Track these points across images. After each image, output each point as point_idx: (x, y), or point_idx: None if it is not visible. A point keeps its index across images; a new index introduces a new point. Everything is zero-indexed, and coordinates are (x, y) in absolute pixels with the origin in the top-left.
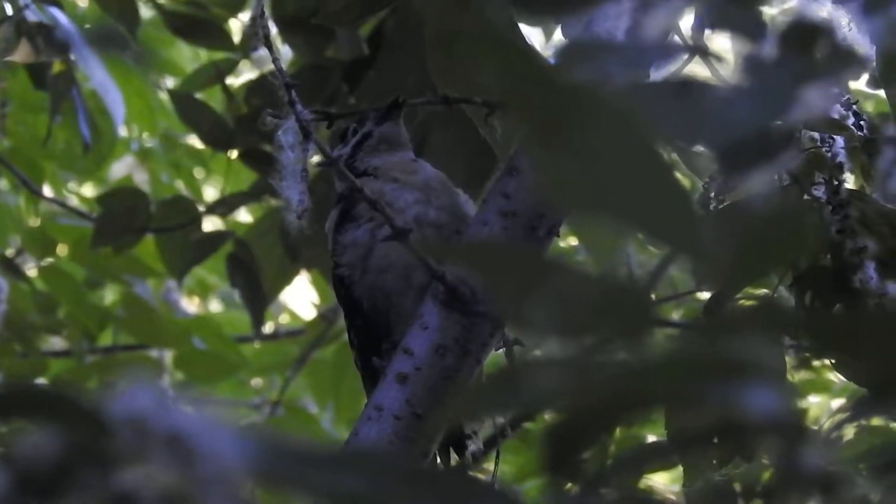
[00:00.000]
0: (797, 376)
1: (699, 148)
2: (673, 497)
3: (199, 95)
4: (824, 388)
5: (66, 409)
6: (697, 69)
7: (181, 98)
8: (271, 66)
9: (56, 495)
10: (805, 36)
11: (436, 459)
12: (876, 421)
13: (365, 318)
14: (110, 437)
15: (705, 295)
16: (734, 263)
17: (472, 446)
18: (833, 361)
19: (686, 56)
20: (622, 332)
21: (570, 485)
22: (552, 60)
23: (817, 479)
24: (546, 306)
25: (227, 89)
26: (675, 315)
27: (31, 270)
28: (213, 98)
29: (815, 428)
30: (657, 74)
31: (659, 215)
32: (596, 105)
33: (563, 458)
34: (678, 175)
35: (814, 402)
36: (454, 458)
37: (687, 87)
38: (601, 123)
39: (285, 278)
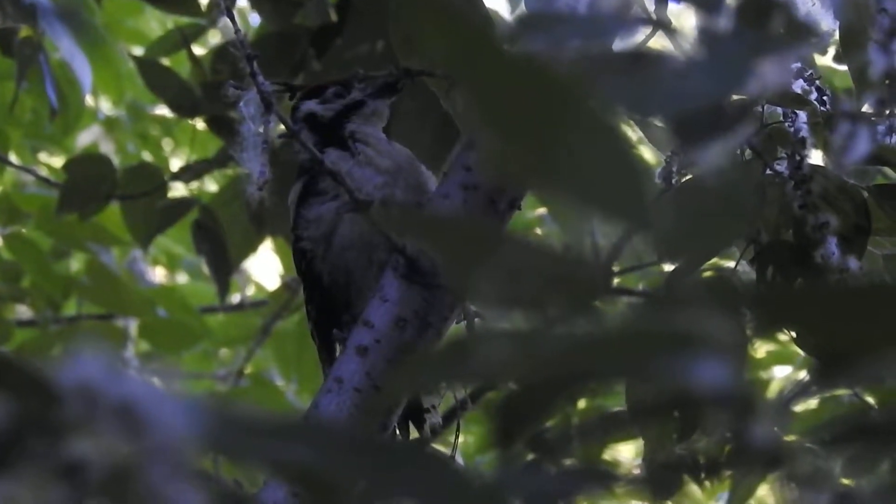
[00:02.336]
0: (762, 349)
1: (654, 120)
2: (637, 470)
3: (165, 62)
4: (789, 360)
5: (15, 377)
6: (657, 42)
7: (147, 64)
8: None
9: (4, 465)
10: (761, 9)
11: (395, 432)
12: (841, 391)
13: (324, 293)
14: (59, 406)
15: (669, 266)
16: (681, 238)
17: (431, 420)
18: (794, 336)
19: (646, 28)
20: (573, 304)
21: (531, 455)
22: (508, 29)
23: (766, 451)
24: (496, 278)
25: (192, 56)
26: (639, 286)
27: None
28: (179, 65)
29: (767, 401)
30: (617, 47)
31: (607, 189)
32: (543, 78)
33: (511, 431)
34: (634, 149)
35: (779, 375)
36: (413, 431)
37: (641, 59)
38: (548, 96)
39: (250, 246)
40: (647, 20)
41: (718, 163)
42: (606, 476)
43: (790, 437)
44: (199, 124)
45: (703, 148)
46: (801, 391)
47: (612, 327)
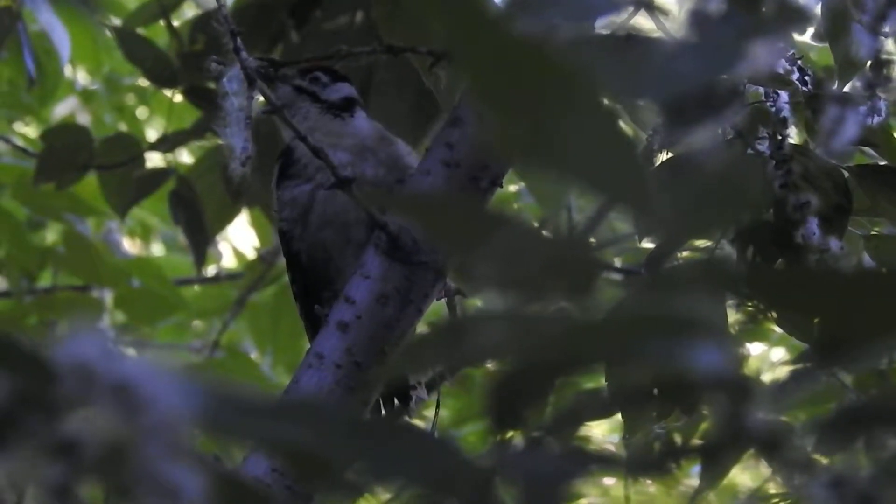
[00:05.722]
0: (738, 325)
1: (644, 101)
2: (612, 448)
3: (143, 33)
4: (764, 336)
5: (11, 354)
6: (643, 23)
7: (125, 34)
8: (214, 4)
9: (1, 442)
10: None
11: (378, 408)
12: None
13: (303, 272)
14: (56, 384)
15: (647, 242)
16: (681, 219)
17: (417, 396)
18: (776, 317)
19: (631, 9)
20: (570, 288)
21: (511, 434)
22: (499, 10)
23: (762, 436)
24: (494, 261)
25: (171, 26)
26: (616, 259)
27: None
28: (156, 36)
29: (761, 385)
30: (602, 27)
31: (606, 170)
32: (543, 58)
33: (508, 413)
34: (625, 129)
35: (754, 351)
36: (398, 406)
37: (633, 41)
38: (548, 76)
39: (227, 216)
40: (631, 1)
41: (714, 145)
42: (608, 459)
43: (779, 423)
44: (176, 97)
45: (693, 130)
46: (799, 376)
47: (609, 310)
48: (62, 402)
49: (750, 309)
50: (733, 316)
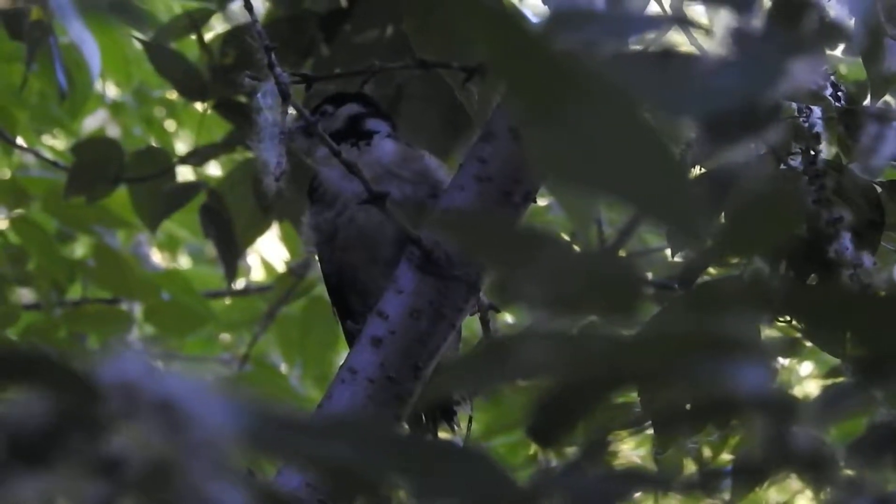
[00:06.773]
0: (773, 341)
1: (683, 119)
2: (638, 460)
3: (173, 46)
4: (793, 350)
5: (56, 373)
6: (678, 40)
7: (156, 48)
8: (244, 19)
9: (45, 460)
10: (793, 9)
11: (420, 421)
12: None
13: (334, 292)
14: (100, 403)
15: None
16: (727, 239)
17: (461, 410)
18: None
19: (667, 26)
20: (614, 308)
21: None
22: (538, 27)
23: (805, 456)
24: (535, 279)
25: (201, 39)
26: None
27: (2, 222)
28: (187, 50)
29: (804, 403)
30: (637, 44)
31: (650, 187)
32: (588, 76)
33: (551, 432)
34: (669, 146)
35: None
36: (441, 421)
37: (672, 58)
38: (593, 95)
39: (257, 229)
40: (668, 17)
41: (747, 160)
42: (654, 480)
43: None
44: (208, 108)
45: (733, 146)
46: (838, 393)
47: (645, 326)
48: (106, 419)
49: (782, 324)
50: (766, 331)
